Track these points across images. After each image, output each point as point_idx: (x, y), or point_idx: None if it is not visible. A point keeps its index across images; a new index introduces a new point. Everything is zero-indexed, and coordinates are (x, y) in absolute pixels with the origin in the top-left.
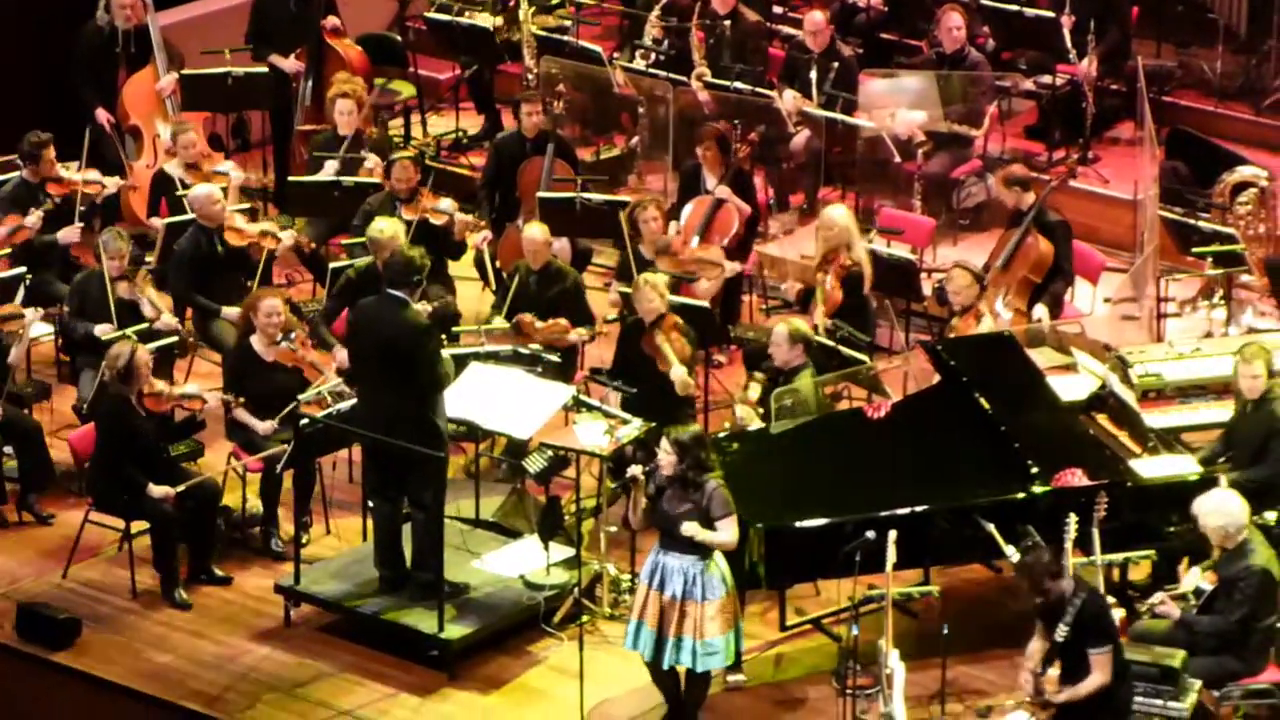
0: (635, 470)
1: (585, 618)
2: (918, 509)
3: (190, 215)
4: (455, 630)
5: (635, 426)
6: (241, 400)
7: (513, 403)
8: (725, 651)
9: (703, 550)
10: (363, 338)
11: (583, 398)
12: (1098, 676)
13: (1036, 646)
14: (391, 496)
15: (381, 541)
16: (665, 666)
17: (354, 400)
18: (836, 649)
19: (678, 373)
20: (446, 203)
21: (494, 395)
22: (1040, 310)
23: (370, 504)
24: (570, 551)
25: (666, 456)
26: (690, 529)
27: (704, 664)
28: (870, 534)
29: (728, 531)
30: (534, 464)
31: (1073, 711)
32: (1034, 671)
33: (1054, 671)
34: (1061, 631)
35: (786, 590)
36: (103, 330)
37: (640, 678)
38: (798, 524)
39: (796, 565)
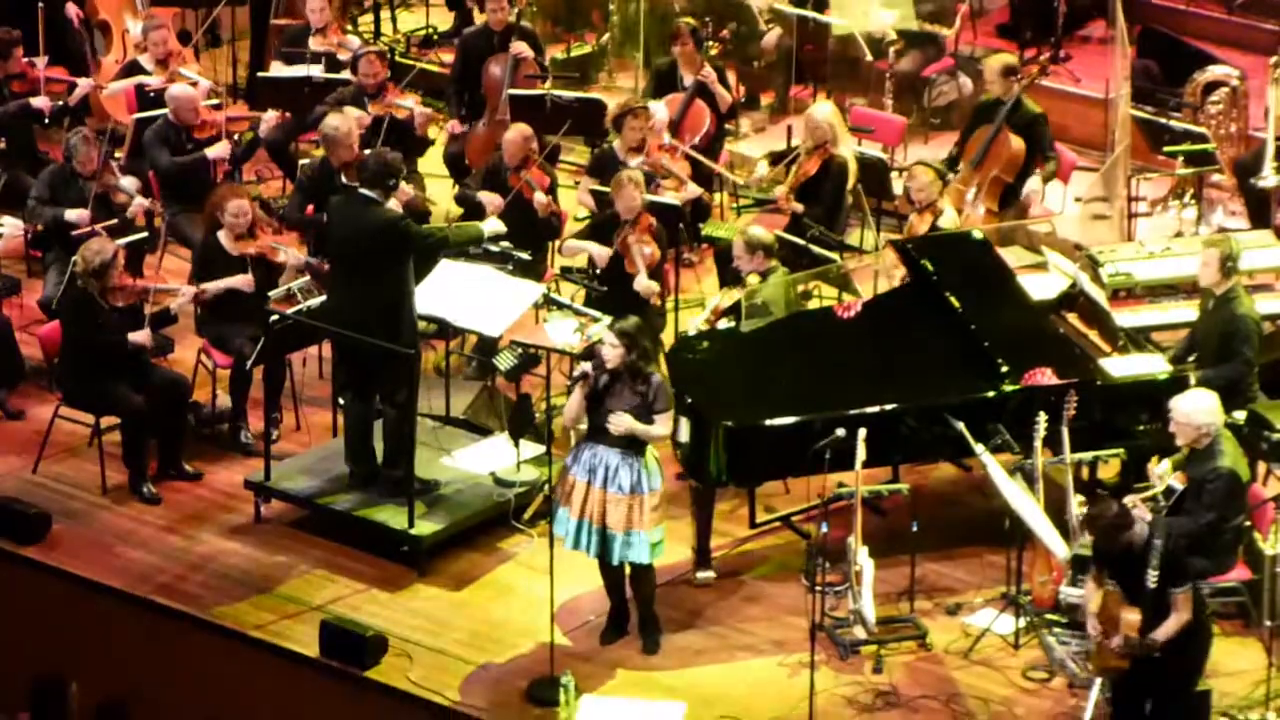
0: (586, 367)
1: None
2: (887, 407)
3: (160, 111)
4: (425, 526)
5: (605, 324)
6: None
7: (483, 300)
8: (664, 542)
9: (639, 444)
10: (334, 234)
11: (553, 295)
12: (1183, 614)
13: (1094, 591)
14: (363, 393)
15: (352, 438)
16: (615, 563)
17: (323, 297)
18: (805, 546)
19: (642, 282)
20: (409, 100)
21: (464, 292)
22: (1034, 182)
23: (340, 401)
24: (540, 449)
25: (614, 350)
26: (625, 421)
27: (654, 554)
28: (840, 432)
29: (665, 425)
30: (504, 361)
31: (1154, 656)
32: (1127, 635)
33: (1132, 616)
34: (1152, 579)
35: (756, 489)
36: (75, 216)
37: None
38: (766, 422)
39: (765, 464)
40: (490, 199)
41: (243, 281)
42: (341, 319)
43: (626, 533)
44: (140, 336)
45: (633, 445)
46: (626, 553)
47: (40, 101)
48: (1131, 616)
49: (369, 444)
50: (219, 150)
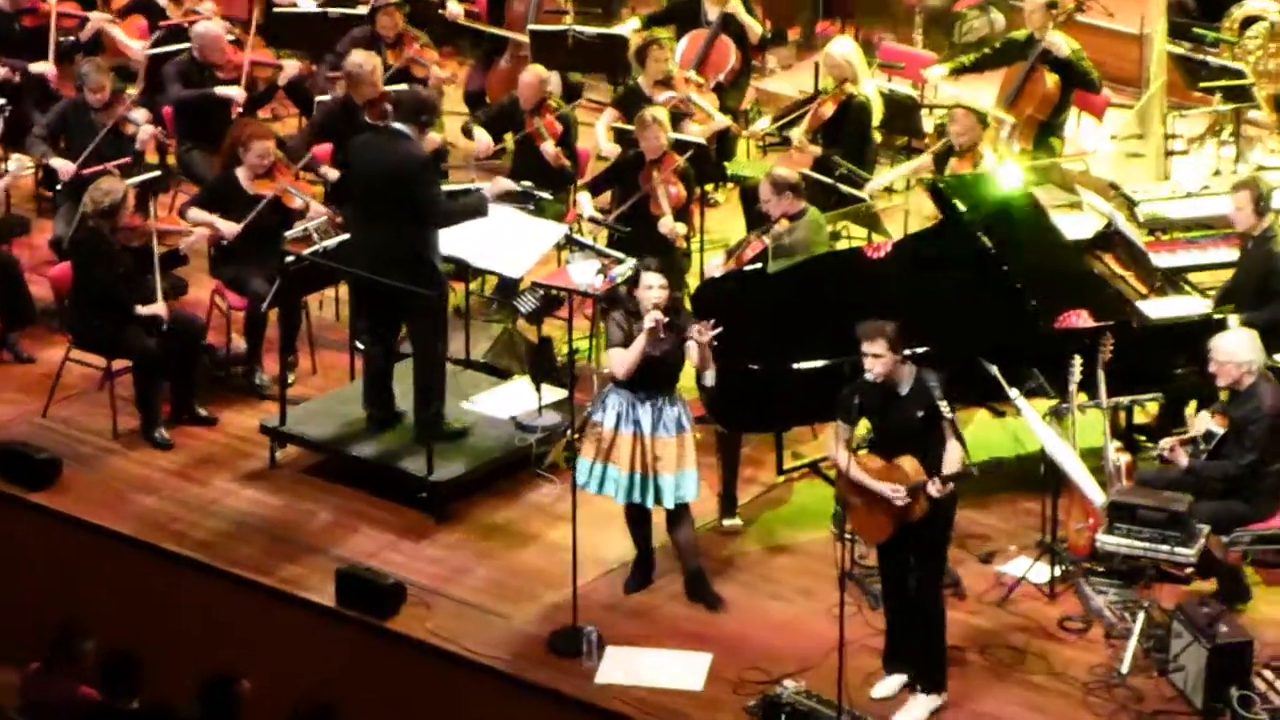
0: (657, 315)
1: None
2: (918, 350)
3: (179, 46)
4: (444, 472)
5: (629, 266)
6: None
7: (504, 241)
8: (697, 482)
9: (673, 385)
10: (360, 171)
11: (576, 236)
12: (956, 442)
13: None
14: (383, 336)
15: (371, 382)
16: (671, 506)
17: (342, 237)
18: (834, 493)
19: (667, 224)
20: (429, 59)
21: (485, 233)
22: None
23: (358, 344)
24: (562, 393)
25: (662, 290)
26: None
27: (692, 494)
28: (870, 375)
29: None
30: (525, 304)
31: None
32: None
33: (907, 464)
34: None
35: (783, 434)
36: (60, 165)
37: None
38: (795, 365)
39: (793, 408)
40: (480, 137)
41: (229, 229)
42: (364, 259)
43: (655, 475)
44: (156, 309)
45: (669, 386)
46: (681, 493)
47: (40, 68)
48: (908, 464)
49: (388, 388)
50: (230, 91)
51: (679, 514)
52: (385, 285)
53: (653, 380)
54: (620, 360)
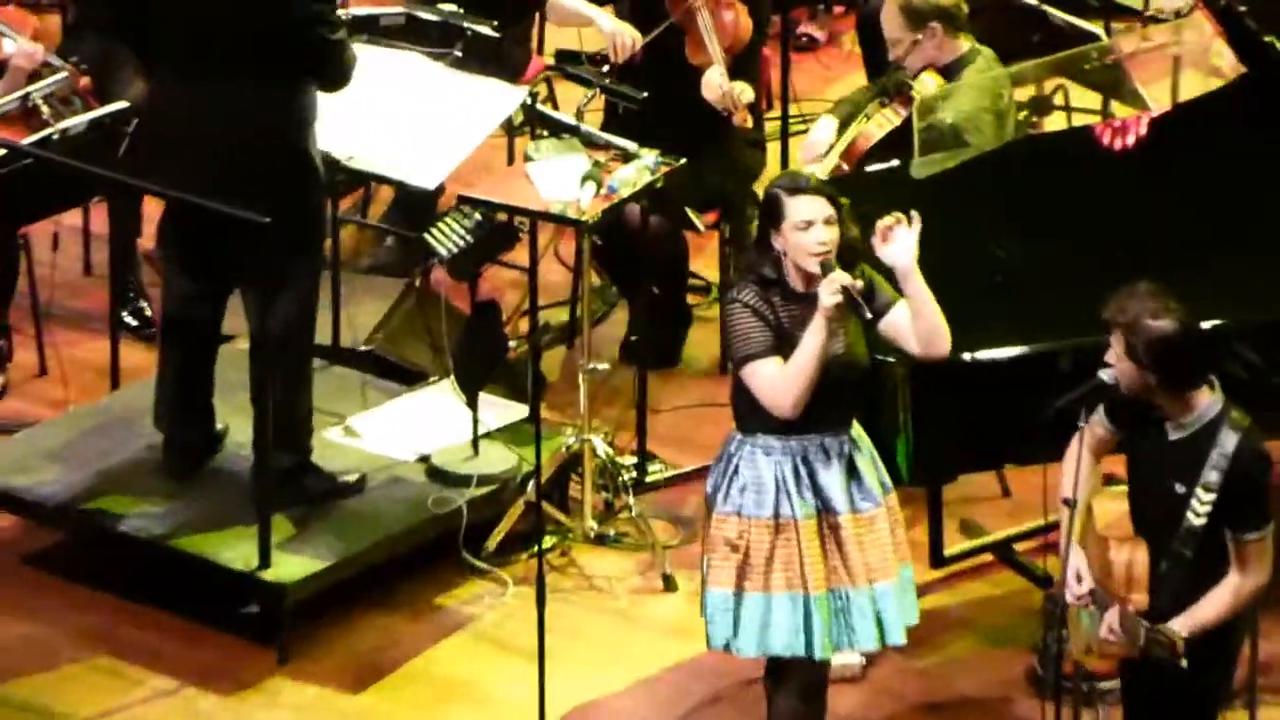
0: (842, 277)
1: (551, 540)
2: (1204, 326)
3: None
4: (293, 568)
5: (647, 163)
6: None
7: (408, 120)
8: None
9: (858, 406)
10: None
11: (543, 109)
12: (1251, 578)
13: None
14: (198, 301)
15: (173, 380)
16: (895, 642)
17: (106, 111)
18: (1043, 599)
19: (715, 79)
20: None
21: (373, 105)
22: None
23: (130, 319)
24: (519, 410)
25: (825, 231)
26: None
27: (914, 612)
28: (1106, 375)
29: None
30: (446, 238)
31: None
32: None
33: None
34: (1200, 507)
35: (942, 488)
36: None
37: (653, 656)
38: (971, 355)
39: (968, 438)
40: None
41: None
42: (165, 158)
43: (900, 577)
44: None
45: (857, 407)
46: (908, 616)
47: None
48: (1136, 563)
49: (204, 392)
50: None
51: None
52: (213, 210)
53: (832, 404)
54: (783, 381)
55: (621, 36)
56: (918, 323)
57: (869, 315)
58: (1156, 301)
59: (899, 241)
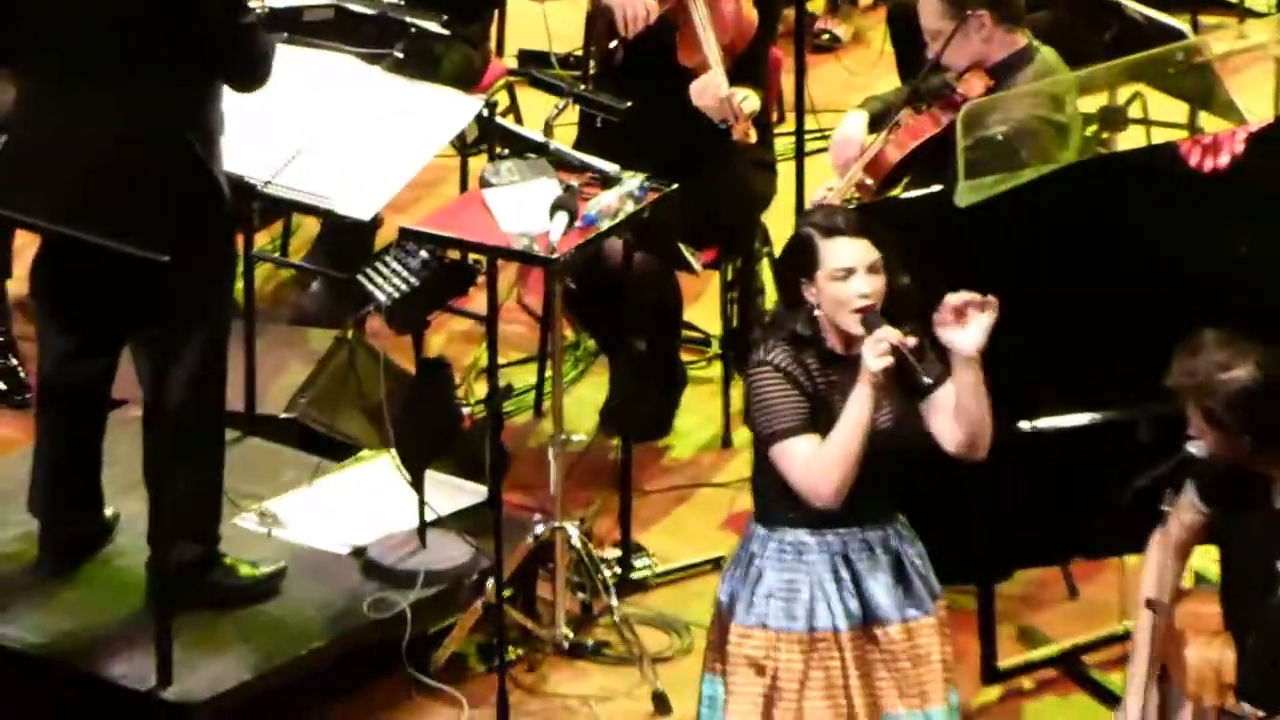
0: (886, 332)
1: (516, 651)
2: None
3: None
4: (199, 685)
5: (631, 189)
6: None
7: (342, 134)
8: None
9: (899, 489)
10: None
11: (504, 122)
12: None
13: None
14: (88, 352)
15: (55, 456)
16: None
17: None
18: None
19: (711, 86)
20: None
21: (302, 116)
22: None
23: (4, 379)
24: (476, 491)
25: (869, 280)
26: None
27: None
28: (1194, 446)
29: None
30: (384, 280)
31: None
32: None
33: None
34: None
35: (995, 589)
36: None
37: None
38: (1031, 424)
39: (1026, 525)
40: None
41: None
42: (42, 178)
43: (948, 702)
44: None
45: (888, 508)
46: None
47: None
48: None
49: (89, 471)
50: None
51: None
52: (96, 245)
53: (876, 489)
54: (822, 463)
55: (632, 5)
56: (965, 413)
57: (928, 381)
58: (1224, 351)
59: (973, 328)
